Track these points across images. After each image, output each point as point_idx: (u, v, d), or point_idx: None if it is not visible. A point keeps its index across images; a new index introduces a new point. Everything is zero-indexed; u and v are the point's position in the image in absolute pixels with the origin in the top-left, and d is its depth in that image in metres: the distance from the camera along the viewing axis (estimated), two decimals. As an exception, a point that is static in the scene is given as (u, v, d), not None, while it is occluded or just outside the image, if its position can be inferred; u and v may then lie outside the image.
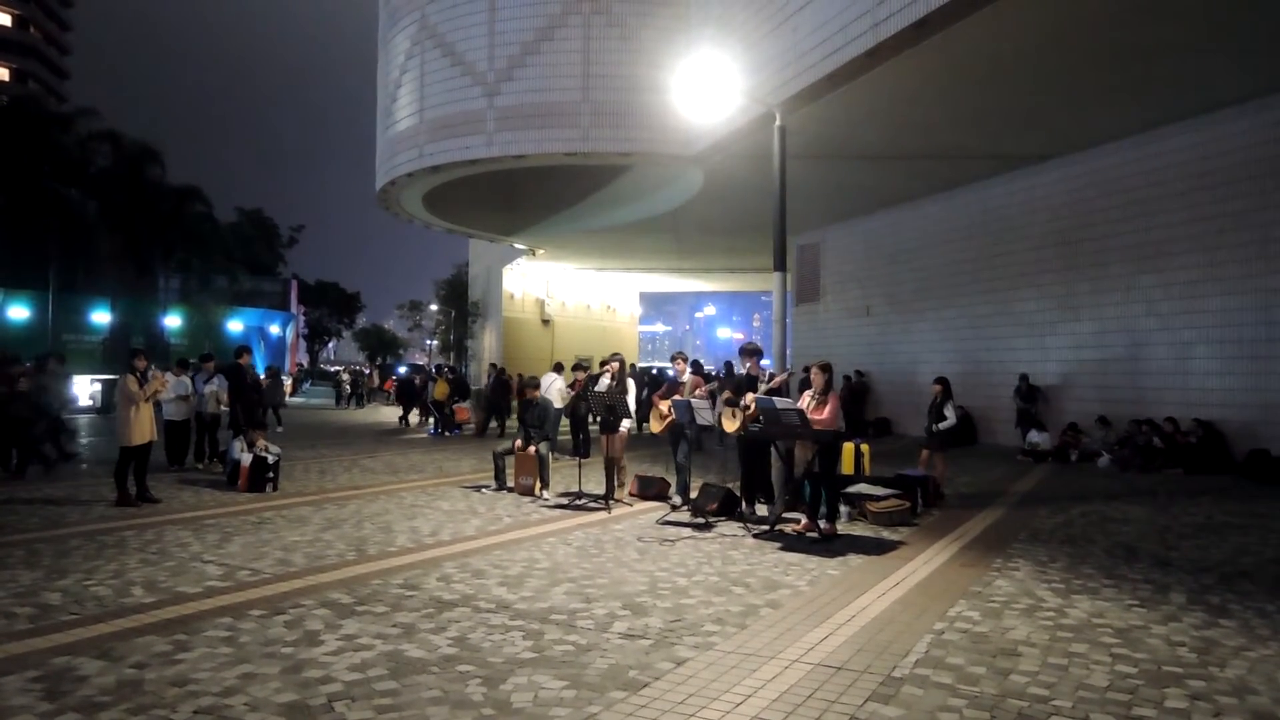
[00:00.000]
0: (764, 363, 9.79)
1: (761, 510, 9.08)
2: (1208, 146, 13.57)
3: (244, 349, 13.51)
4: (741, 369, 9.65)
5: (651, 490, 10.21)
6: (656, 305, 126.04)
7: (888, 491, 8.96)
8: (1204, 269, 13.68)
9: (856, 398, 20.72)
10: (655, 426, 10.11)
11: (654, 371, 25.39)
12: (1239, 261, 13.18)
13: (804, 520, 8.01)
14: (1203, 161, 13.63)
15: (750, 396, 8.55)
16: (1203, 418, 13.32)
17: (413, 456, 14.77)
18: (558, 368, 16.70)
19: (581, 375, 10.99)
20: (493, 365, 22.91)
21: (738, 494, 9.03)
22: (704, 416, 9.07)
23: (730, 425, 8.60)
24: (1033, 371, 16.74)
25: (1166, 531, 8.30)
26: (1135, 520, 8.92)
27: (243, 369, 13.00)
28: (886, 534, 8.07)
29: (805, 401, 8.09)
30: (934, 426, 10.53)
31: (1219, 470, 12.65)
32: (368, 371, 44.28)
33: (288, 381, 35.55)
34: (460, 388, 22.12)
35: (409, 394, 23.34)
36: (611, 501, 9.52)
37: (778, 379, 9.05)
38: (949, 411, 10.44)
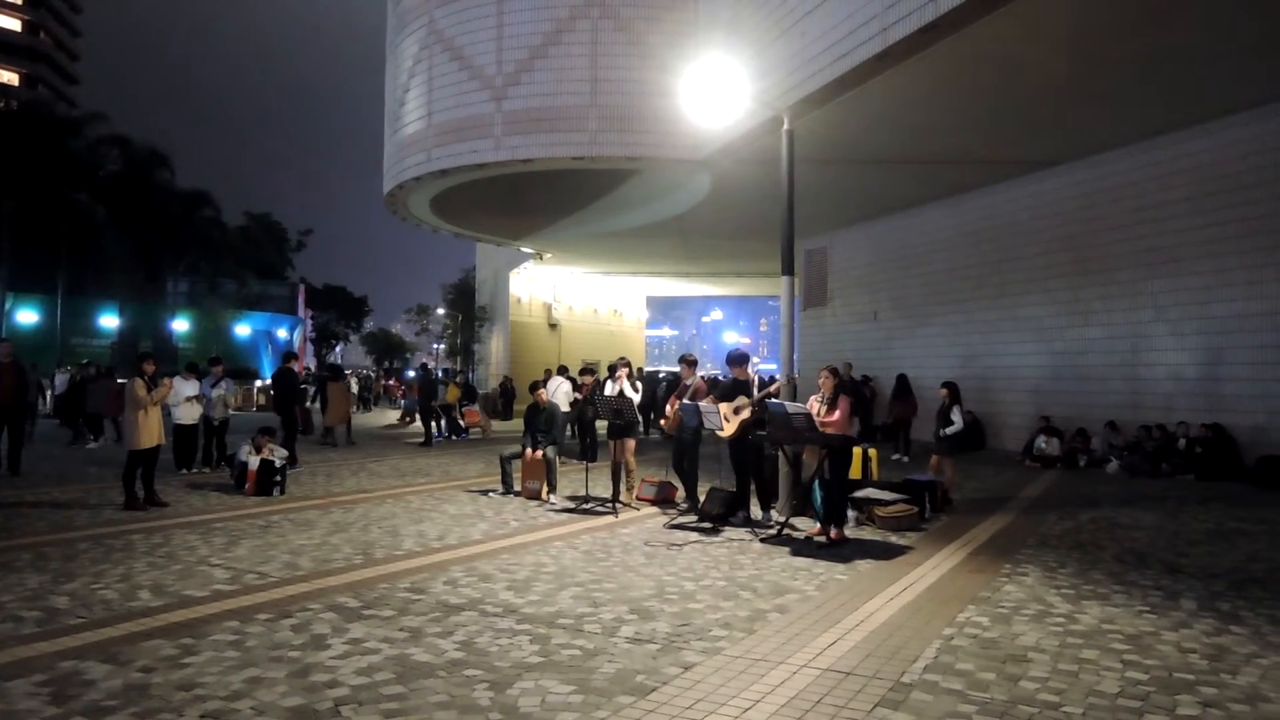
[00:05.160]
0: (766, 367, 9.79)
1: (770, 514, 9.06)
2: (1218, 152, 13.49)
3: (292, 354, 13.58)
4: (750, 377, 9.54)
5: (659, 495, 10.19)
6: (664, 309, 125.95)
7: (895, 496, 8.92)
8: (1214, 274, 13.60)
9: (864, 403, 20.65)
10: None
11: (661, 376, 25.31)
12: (1249, 267, 13.10)
13: (817, 526, 8.01)
14: (1213, 167, 13.56)
15: (742, 400, 8.62)
16: (1212, 423, 13.25)
17: (420, 460, 14.78)
18: (561, 370, 16.70)
19: (589, 380, 10.99)
20: (423, 365, 22.98)
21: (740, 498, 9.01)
22: (712, 421, 9.06)
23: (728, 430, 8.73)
24: (1041, 377, 16.68)
25: (1177, 537, 8.25)
26: (1145, 526, 8.87)
27: (295, 374, 13.02)
28: (894, 539, 8.04)
29: (814, 406, 8.08)
30: (941, 431, 10.49)
31: (1229, 476, 12.55)
32: (375, 375, 44.30)
33: None
34: (468, 392, 22.27)
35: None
36: (619, 506, 9.52)
37: (775, 384, 9.04)
38: (956, 416, 10.40)
